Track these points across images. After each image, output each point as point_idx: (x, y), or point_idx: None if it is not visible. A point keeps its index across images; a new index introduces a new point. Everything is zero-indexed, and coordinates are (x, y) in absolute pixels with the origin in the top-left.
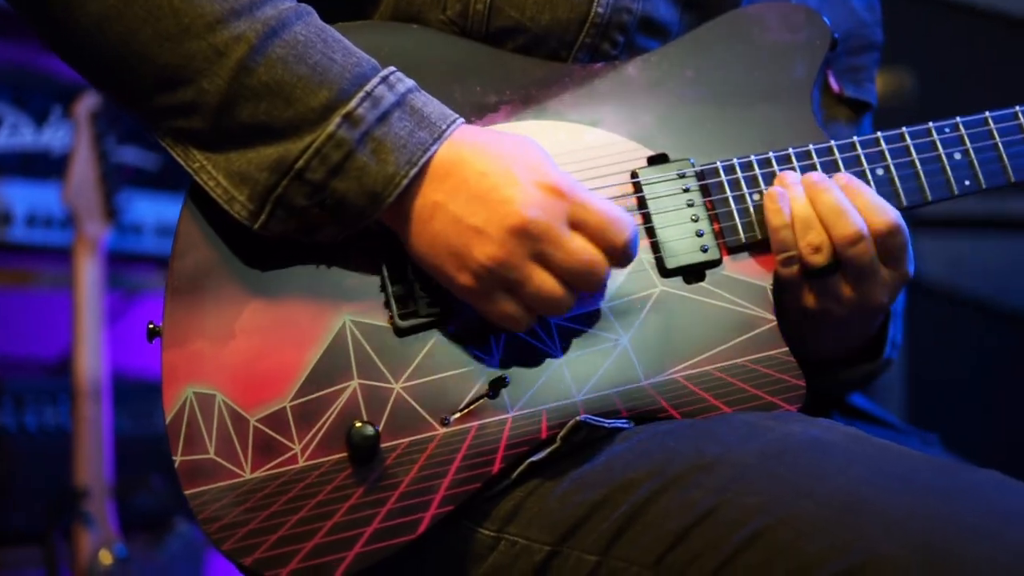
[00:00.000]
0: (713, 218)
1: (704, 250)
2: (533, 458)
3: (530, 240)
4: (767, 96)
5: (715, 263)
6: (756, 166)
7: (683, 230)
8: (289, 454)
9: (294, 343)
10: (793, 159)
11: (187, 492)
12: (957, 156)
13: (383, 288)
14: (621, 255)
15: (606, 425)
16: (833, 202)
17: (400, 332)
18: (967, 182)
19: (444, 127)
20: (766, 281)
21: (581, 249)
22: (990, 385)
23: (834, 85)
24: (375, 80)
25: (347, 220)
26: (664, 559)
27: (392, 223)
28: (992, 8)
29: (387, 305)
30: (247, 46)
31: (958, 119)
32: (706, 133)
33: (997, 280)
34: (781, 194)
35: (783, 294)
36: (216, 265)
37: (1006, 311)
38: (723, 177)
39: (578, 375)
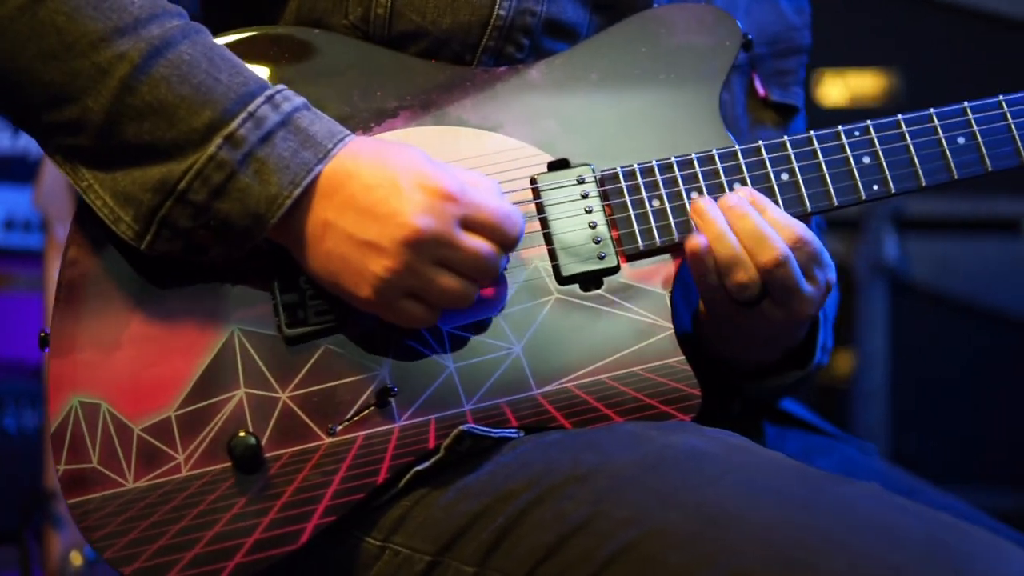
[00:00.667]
0: (612, 224)
1: (601, 257)
2: (418, 468)
3: (425, 247)
4: (673, 99)
5: (613, 270)
6: (657, 171)
7: (580, 236)
8: (172, 463)
9: (181, 353)
10: (695, 164)
11: (68, 502)
12: (866, 160)
13: (273, 297)
14: (513, 246)
15: (492, 435)
16: (753, 227)
17: (289, 341)
18: (875, 186)
19: (330, 146)
20: (665, 289)
21: (477, 247)
22: (977, 385)
23: (760, 89)
24: (259, 100)
25: (233, 241)
26: (535, 571)
27: (284, 241)
28: (981, 8)
29: (276, 314)
30: (130, 65)
31: (868, 122)
32: (609, 137)
33: (983, 281)
34: (701, 243)
35: (706, 322)
36: (105, 275)
37: (993, 312)
38: (623, 183)
39: (468, 384)
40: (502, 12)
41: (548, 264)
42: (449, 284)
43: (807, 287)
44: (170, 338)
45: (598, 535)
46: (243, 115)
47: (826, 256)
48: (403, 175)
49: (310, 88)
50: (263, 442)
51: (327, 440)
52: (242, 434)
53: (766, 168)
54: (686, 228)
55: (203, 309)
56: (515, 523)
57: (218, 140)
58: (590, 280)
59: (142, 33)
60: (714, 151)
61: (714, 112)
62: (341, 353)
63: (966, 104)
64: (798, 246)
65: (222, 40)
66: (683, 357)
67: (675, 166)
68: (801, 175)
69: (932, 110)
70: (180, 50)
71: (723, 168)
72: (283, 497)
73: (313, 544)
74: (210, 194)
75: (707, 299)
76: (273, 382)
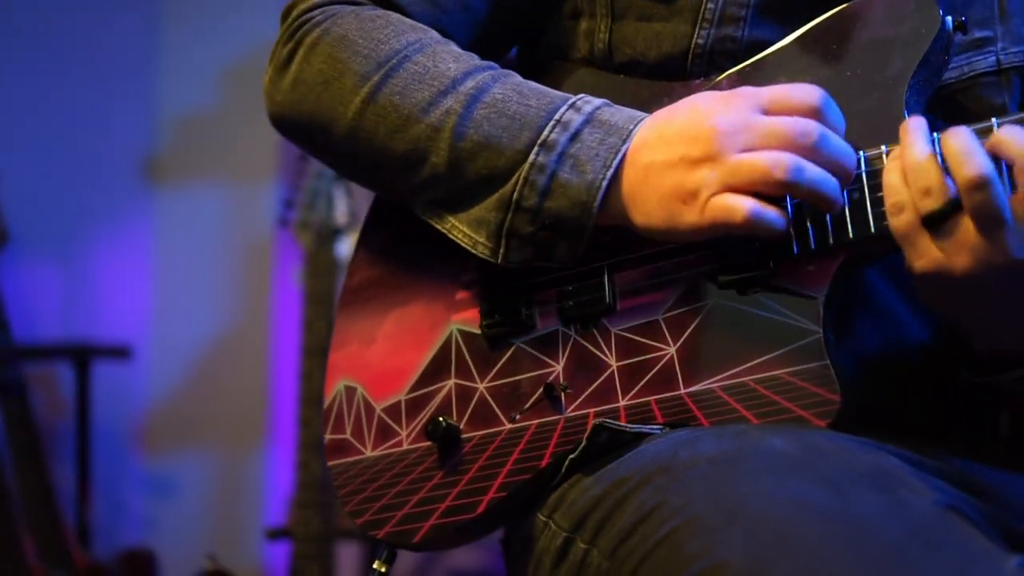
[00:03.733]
0: None
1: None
2: (572, 456)
3: (728, 138)
4: (859, 97)
5: (769, 275)
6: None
7: (740, 240)
8: (397, 438)
9: (414, 346)
10: (884, 159)
11: (329, 463)
12: None
13: (480, 302)
14: (815, 111)
15: (627, 429)
16: (958, 145)
17: (489, 340)
18: None
19: (631, 127)
20: (819, 292)
21: (774, 122)
22: None
23: None
24: (563, 108)
25: (572, 234)
26: (617, 550)
27: (617, 220)
28: None
29: (481, 316)
30: (455, 116)
31: None
32: None
33: None
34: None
35: (907, 262)
36: (371, 283)
37: None
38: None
39: (625, 382)
40: (700, 41)
41: (709, 267)
42: (757, 160)
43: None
44: (408, 334)
45: (657, 521)
46: (551, 123)
47: None
48: (698, 100)
49: None
50: (462, 425)
51: (508, 426)
52: (440, 419)
53: None
54: (860, 225)
55: (433, 310)
56: (616, 506)
57: (535, 149)
58: (747, 284)
59: (460, 89)
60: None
61: (899, 106)
62: (528, 351)
63: None
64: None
65: None
66: (828, 362)
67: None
68: None
69: None
70: (493, 92)
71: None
72: (470, 472)
73: (490, 514)
74: (539, 196)
75: (897, 233)
76: (475, 374)
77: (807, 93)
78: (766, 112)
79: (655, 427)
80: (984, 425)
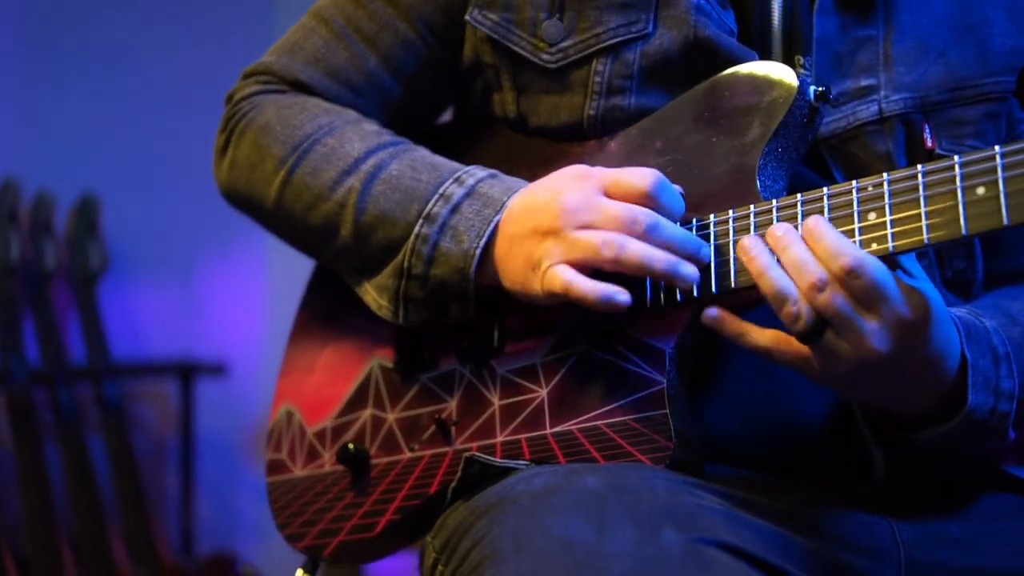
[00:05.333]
0: None
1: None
2: (451, 485)
3: (571, 215)
4: (719, 161)
5: (627, 324)
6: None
7: None
8: (320, 460)
9: (343, 377)
10: (711, 227)
11: (267, 480)
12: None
13: (395, 340)
14: (644, 198)
15: (497, 464)
16: (794, 256)
17: (401, 374)
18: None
19: (506, 199)
20: (667, 344)
21: (612, 206)
22: None
23: (928, 140)
24: (448, 182)
25: (458, 297)
26: (456, 572)
27: (494, 282)
28: None
29: (395, 353)
30: (356, 194)
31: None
32: None
33: None
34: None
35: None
36: (316, 317)
37: None
38: None
39: (503, 419)
40: (591, 112)
41: (580, 318)
42: (590, 237)
43: (864, 321)
44: (340, 366)
45: (479, 549)
46: (435, 196)
47: (892, 290)
48: (556, 178)
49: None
50: (372, 450)
51: (407, 455)
52: (350, 445)
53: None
54: (704, 285)
55: (360, 347)
56: (464, 533)
57: (420, 221)
58: (607, 334)
59: (361, 168)
60: (729, 212)
61: (751, 172)
62: (430, 386)
63: None
64: (850, 274)
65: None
66: (667, 411)
67: (693, 228)
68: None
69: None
70: (389, 169)
71: (738, 227)
72: (374, 495)
73: (388, 535)
74: (425, 264)
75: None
76: (388, 405)
77: (641, 179)
78: (607, 194)
79: (521, 462)
80: (858, 465)
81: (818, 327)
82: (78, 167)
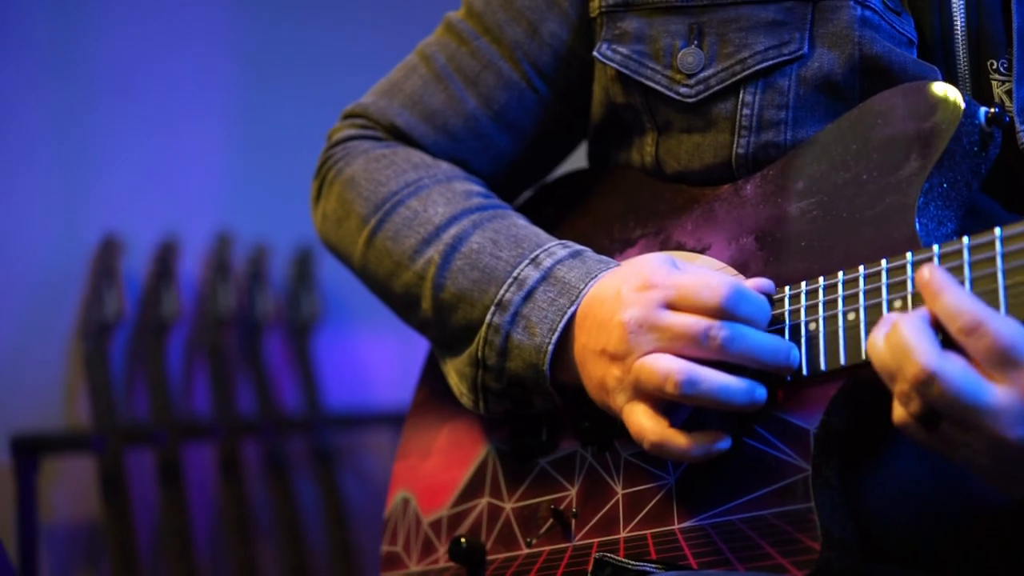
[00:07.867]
0: None
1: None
2: None
3: (635, 338)
4: (872, 203)
5: (770, 402)
6: (821, 293)
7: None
8: (435, 555)
9: (459, 463)
10: (861, 282)
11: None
12: None
13: (511, 421)
14: (718, 312)
15: (629, 566)
16: (896, 338)
17: (518, 459)
18: None
19: (582, 287)
20: (811, 423)
21: (677, 322)
22: None
23: None
24: (524, 263)
25: (537, 391)
26: None
27: (573, 379)
28: None
29: (511, 435)
30: (434, 266)
31: None
32: (799, 252)
33: None
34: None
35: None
36: (431, 398)
37: None
38: (786, 307)
39: (627, 511)
40: (740, 151)
41: None
42: (654, 371)
43: (988, 397)
44: (455, 450)
45: None
46: (508, 280)
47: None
48: (626, 282)
49: (585, 220)
50: (488, 545)
51: (524, 551)
52: (462, 540)
53: (962, 274)
54: (852, 351)
55: (474, 429)
56: None
57: (491, 309)
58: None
59: (443, 236)
60: (883, 263)
61: (909, 213)
62: (550, 472)
63: None
64: (971, 336)
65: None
66: (812, 504)
67: (839, 285)
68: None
69: None
70: (470, 242)
71: (889, 284)
72: None
73: None
74: (498, 356)
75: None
76: (505, 493)
77: (712, 294)
78: (674, 307)
79: (651, 564)
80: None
81: (932, 415)
82: (294, 219)
